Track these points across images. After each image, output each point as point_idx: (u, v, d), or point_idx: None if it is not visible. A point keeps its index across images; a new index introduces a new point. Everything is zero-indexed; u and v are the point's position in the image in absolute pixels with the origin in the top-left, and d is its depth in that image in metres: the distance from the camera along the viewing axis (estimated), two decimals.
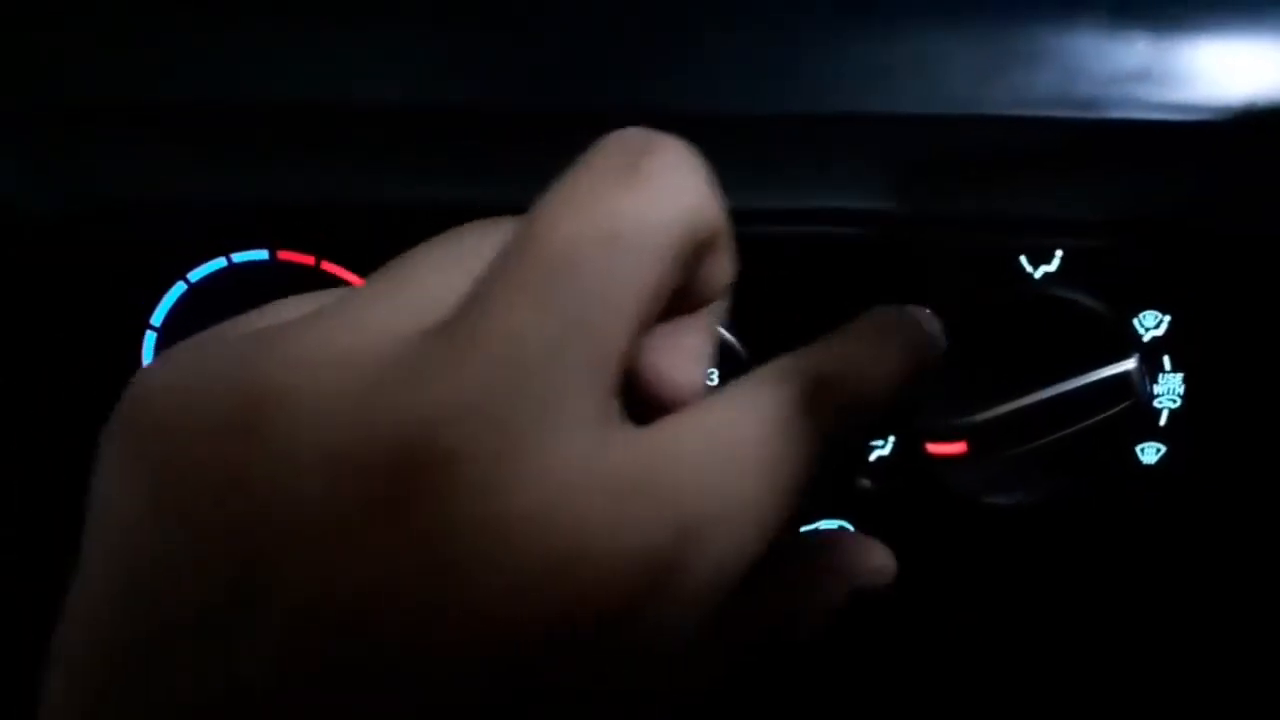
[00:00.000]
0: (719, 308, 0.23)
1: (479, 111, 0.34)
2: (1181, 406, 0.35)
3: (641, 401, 0.21)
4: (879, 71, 0.33)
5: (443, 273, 0.20)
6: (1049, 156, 0.33)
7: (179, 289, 0.35)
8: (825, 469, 0.22)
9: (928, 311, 0.26)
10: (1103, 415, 0.34)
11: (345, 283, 0.35)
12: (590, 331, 0.19)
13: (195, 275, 0.35)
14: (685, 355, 0.22)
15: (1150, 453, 0.36)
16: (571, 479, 0.18)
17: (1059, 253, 0.34)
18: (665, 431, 0.20)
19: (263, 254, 0.35)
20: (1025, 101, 0.33)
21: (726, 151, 0.34)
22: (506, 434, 0.18)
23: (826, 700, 0.42)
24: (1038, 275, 0.34)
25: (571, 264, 0.19)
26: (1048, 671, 0.42)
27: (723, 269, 0.23)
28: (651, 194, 0.20)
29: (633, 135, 0.21)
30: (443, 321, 0.19)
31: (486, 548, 0.18)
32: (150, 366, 0.20)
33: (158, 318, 0.36)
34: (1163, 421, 0.35)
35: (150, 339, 0.36)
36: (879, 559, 0.26)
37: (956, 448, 0.34)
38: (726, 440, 0.20)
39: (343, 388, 0.18)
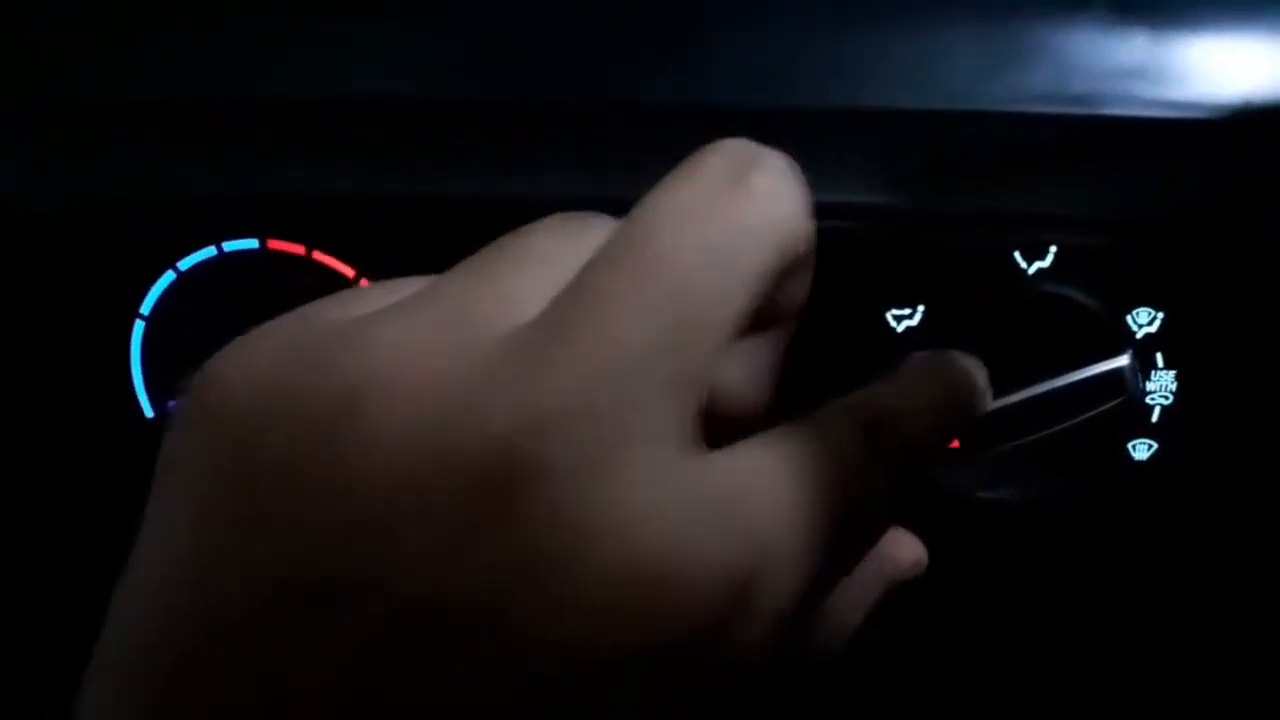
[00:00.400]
0: (792, 326, 0.23)
1: (473, 104, 0.34)
2: (1174, 404, 0.35)
3: (710, 416, 0.21)
4: (876, 66, 0.33)
5: (531, 271, 0.20)
6: (1045, 153, 0.33)
7: (168, 278, 0.35)
8: (886, 502, 0.22)
9: (975, 359, 0.26)
10: (1095, 412, 0.34)
11: (337, 273, 0.35)
12: (686, 344, 0.18)
13: (185, 264, 0.35)
14: (760, 375, 0.22)
15: (1142, 449, 0.36)
16: (660, 494, 0.18)
17: (1053, 249, 0.34)
18: (745, 455, 0.20)
19: (253, 243, 0.35)
20: (1022, 98, 0.33)
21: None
22: (601, 444, 0.18)
23: (818, 697, 0.42)
24: (1031, 271, 0.34)
25: (674, 275, 0.18)
26: (1040, 667, 0.42)
27: (802, 288, 0.22)
28: (757, 210, 0.19)
29: (738, 147, 0.20)
30: (538, 322, 0.19)
31: (575, 559, 0.17)
32: (230, 353, 0.19)
33: (146, 306, 0.35)
34: (1155, 418, 0.35)
35: (139, 328, 0.36)
36: (915, 551, 0.27)
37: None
38: (802, 472, 0.20)
39: (438, 384, 0.18)
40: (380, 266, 0.35)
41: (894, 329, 0.35)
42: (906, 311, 0.35)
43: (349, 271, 0.35)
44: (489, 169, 0.34)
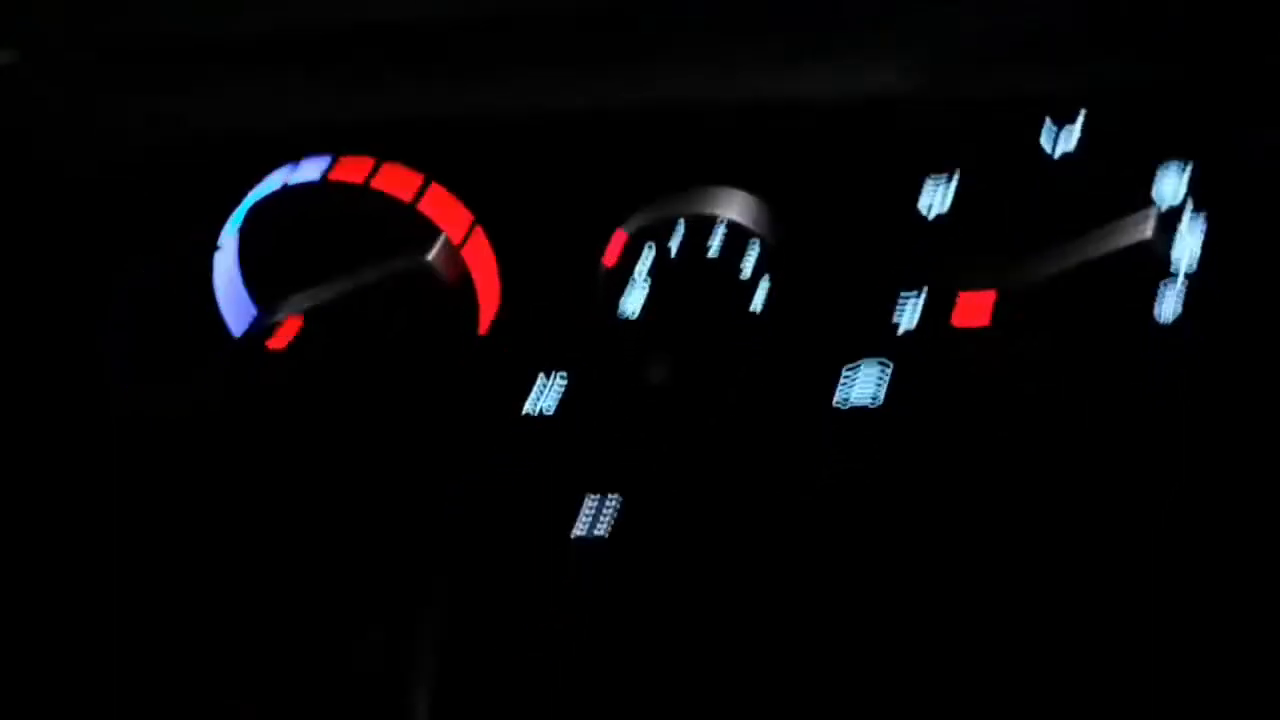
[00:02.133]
0: None
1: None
2: (1199, 266, 0.35)
3: None
4: None
5: None
6: (1075, 20, 0.33)
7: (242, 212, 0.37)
8: None
9: None
10: (1122, 277, 0.34)
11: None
12: None
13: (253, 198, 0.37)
14: None
15: (1168, 310, 0.35)
16: None
17: (1082, 113, 0.34)
18: None
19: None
20: None
21: (752, 27, 0.34)
22: None
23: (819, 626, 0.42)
24: (1061, 135, 0.35)
25: None
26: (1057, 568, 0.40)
27: None
28: None
29: None
30: None
31: None
32: None
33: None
34: (1180, 280, 0.35)
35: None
36: None
37: (980, 319, 0.35)
38: None
39: None
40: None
41: (925, 217, 0.36)
42: (943, 178, 0.35)
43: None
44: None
